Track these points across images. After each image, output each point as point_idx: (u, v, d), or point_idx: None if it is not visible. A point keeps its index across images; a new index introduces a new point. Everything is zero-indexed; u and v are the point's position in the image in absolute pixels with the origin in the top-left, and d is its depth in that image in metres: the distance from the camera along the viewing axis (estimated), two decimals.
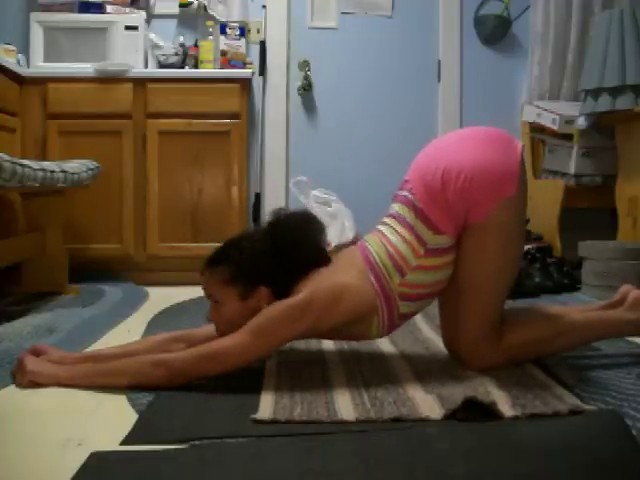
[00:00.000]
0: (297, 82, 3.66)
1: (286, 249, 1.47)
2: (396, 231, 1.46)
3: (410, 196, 1.47)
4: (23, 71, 3.03)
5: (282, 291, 1.44)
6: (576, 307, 1.76)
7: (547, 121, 3.43)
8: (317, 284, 1.42)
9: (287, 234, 1.50)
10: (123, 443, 1.11)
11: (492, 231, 1.44)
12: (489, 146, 1.47)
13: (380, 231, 1.50)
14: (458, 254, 1.48)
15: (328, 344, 1.80)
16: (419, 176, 1.47)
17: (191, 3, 3.52)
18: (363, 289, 1.43)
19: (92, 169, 2.68)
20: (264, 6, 3.60)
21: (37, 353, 1.53)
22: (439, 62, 3.72)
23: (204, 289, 1.51)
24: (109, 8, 3.33)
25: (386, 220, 1.51)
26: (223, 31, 3.39)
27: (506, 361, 1.50)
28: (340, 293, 1.41)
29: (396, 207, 1.50)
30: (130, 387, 1.36)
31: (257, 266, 1.46)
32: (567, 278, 2.81)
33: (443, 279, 1.49)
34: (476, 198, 1.42)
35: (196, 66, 3.36)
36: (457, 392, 1.28)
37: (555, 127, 3.38)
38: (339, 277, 1.45)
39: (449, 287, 1.54)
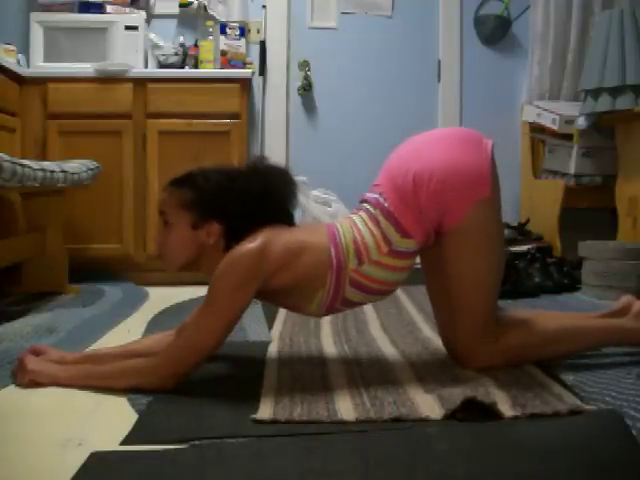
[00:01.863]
0: (297, 82, 3.66)
1: (252, 194, 1.44)
2: (366, 224, 1.44)
3: (381, 199, 1.45)
4: (23, 71, 3.02)
5: (233, 234, 1.42)
6: (578, 314, 1.76)
7: (547, 121, 3.43)
8: (274, 235, 1.40)
9: (259, 181, 1.46)
10: (123, 443, 1.11)
11: (471, 234, 1.44)
12: (459, 147, 1.46)
13: (352, 219, 1.48)
14: (441, 258, 1.48)
15: (328, 345, 1.80)
16: (389, 179, 1.46)
17: (191, 3, 3.52)
18: (320, 255, 1.41)
19: (92, 169, 2.68)
20: (264, 6, 3.61)
21: (36, 353, 1.52)
22: (439, 62, 3.73)
23: (160, 206, 1.49)
24: (109, 8, 3.33)
25: (359, 212, 1.50)
26: (223, 31, 3.40)
27: (504, 362, 1.49)
28: (299, 249, 1.40)
29: (367, 206, 1.48)
30: (128, 390, 1.35)
31: (218, 200, 1.44)
32: (567, 278, 2.81)
33: (398, 280, 1.48)
34: (449, 202, 1.41)
35: (196, 66, 3.37)
36: (457, 392, 1.28)
37: (555, 127, 3.38)
38: (298, 235, 1.44)
39: (438, 290, 1.54)
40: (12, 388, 1.41)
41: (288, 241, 1.40)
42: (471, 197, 1.41)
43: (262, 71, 3.59)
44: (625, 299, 1.68)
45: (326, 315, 1.54)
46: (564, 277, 2.81)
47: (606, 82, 2.93)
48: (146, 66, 3.33)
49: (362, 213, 1.48)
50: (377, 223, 1.43)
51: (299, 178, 3.31)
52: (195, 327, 1.36)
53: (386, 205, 1.43)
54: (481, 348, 1.48)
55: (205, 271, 1.45)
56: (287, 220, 1.50)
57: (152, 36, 3.34)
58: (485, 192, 1.42)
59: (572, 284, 2.79)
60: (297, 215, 2.13)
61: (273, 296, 1.47)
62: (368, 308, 2.35)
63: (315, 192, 3.24)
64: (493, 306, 1.52)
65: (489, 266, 1.48)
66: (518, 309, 2.22)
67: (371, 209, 1.46)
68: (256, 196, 1.45)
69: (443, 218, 1.43)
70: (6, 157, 1.92)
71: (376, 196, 1.47)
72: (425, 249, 1.53)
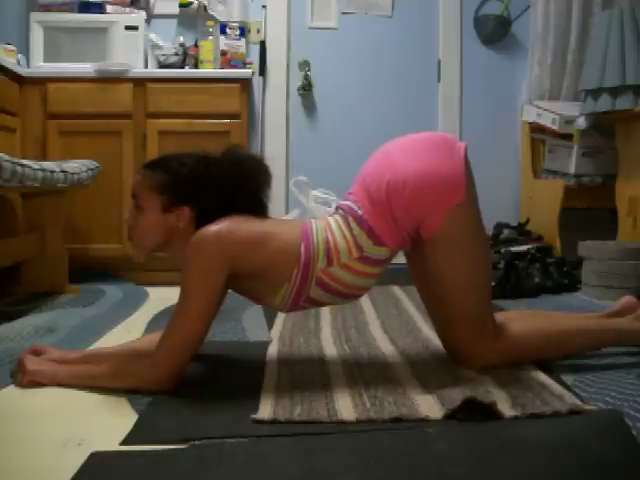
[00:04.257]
0: (297, 82, 3.66)
1: (225, 181, 1.44)
2: (340, 227, 1.43)
3: (355, 207, 1.44)
4: (23, 71, 3.02)
5: (204, 219, 1.40)
6: (578, 314, 1.76)
7: (547, 121, 3.43)
8: (241, 221, 1.39)
9: (233, 169, 1.46)
10: (123, 443, 1.11)
11: (451, 240, 1.42)
12: (432, 153, 1.43)
13: (327, 220, 1.47)
14: (427, 265, 1.46)
15: (328, 345, 1.80)
16: (363, 188, 1.45)
17: (191, 3, 3.52)
18: (288, 249, 1.40)
19: (92, 169, 2.68)
20: (264, 6, 3.61)
21: (37, 353, 1.52)
22: (439, 62, 3.73)
23: (132, 189, 1.49)
24: (109, 8, 3.33)
25: (335, 215, 1.48)
26: (223, 31, 3.40)
27: (504, 361, 1.49)
28: (264, 239, 1.38)
29: (342, 212, 1.47)
30: (128, 390, 1.35)
31: (190, 184, 1.43)
32: (567, 278, 2.81)
33: (365, 286, 1.47)
34: (425, 210, 1.39)
35: (196, 66, 3.37)
36: (457, 392, 1.28)
37: (555, 127, 3.38)
38: (267, 226, 1.43)
39: (429, 294, 1.54)
40: (12, 388, 1.41)
41: (254, 229, 1.40)
42: (446, 203, 1.40)
43: (262, 71, 3.59)
44: (625, 300, 1.68)
45: (290, 311, 1.52)
46: (564, 277, 2.81)
47: (606, 82, 2.93)
48: (146, 66, 3.33)
49: (337, 217, 1.47)
50: (350, 229, 1.42)
51: (299, 178, 3.31)
52: (173, 328, 1.36)
53: (360, 213, 1.42)
54: (480, 348, 1.48)
55: (176, 256, 1.45)
56: (259, 210, 1.49)
57: (152, 36, 3.34)
58: (459, 197, 1.40)
59: (572, 284, 2.79)
60: (296, 214, 2.13)
61: (237, 284, 1.45)
62: (368, 308, 2.36)
63: (315, 192, 3.23)
64: (487, 305, 1.51)
65: (475, 267, 1.47)
66: (518, 309, 2.23)
67: (345, 215, 1.45)
68: (229, 184, 1.44)
69: (420, 226, 1.41)
70: (6, 157, 1.92)
71: (351, 205, 1.45)
72: (409, 255, 1.53)
